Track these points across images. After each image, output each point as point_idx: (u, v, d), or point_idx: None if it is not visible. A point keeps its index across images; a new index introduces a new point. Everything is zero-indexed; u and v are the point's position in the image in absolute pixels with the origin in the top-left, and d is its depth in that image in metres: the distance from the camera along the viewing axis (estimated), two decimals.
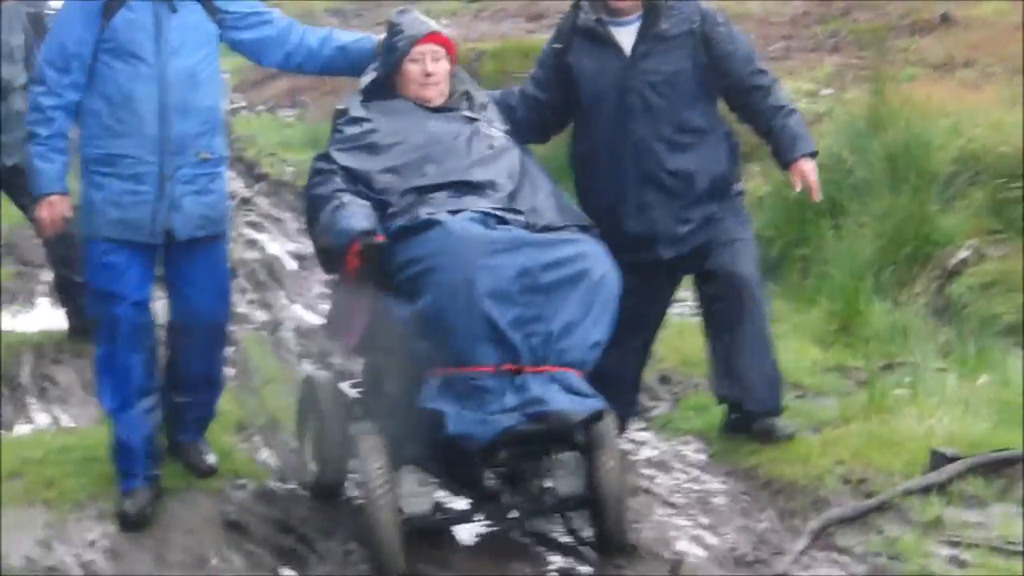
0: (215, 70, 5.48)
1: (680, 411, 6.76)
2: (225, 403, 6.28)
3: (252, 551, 5.27)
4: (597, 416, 4.79)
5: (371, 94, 5.43)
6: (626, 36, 5.71)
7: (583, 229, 5.09)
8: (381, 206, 4.96)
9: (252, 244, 10.73)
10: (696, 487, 5.89)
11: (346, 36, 5.79)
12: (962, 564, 4.87)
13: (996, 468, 5.47)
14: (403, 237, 4.80)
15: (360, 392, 5.55)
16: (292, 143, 14.85)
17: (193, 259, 5.52)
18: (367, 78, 5.49)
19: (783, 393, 6.07)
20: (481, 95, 5.58)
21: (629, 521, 5.22)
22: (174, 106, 5.28)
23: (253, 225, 11.42)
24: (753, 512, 5.56)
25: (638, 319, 5.68)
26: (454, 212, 4.82)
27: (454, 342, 4.61)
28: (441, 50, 5.42)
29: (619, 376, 5.74)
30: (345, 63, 5.69)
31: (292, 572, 5.13)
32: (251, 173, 13.78)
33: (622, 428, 5.87)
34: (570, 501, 5.01)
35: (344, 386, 5.67)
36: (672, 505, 5.71)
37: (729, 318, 5.82)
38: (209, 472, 5.83)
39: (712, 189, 5.79)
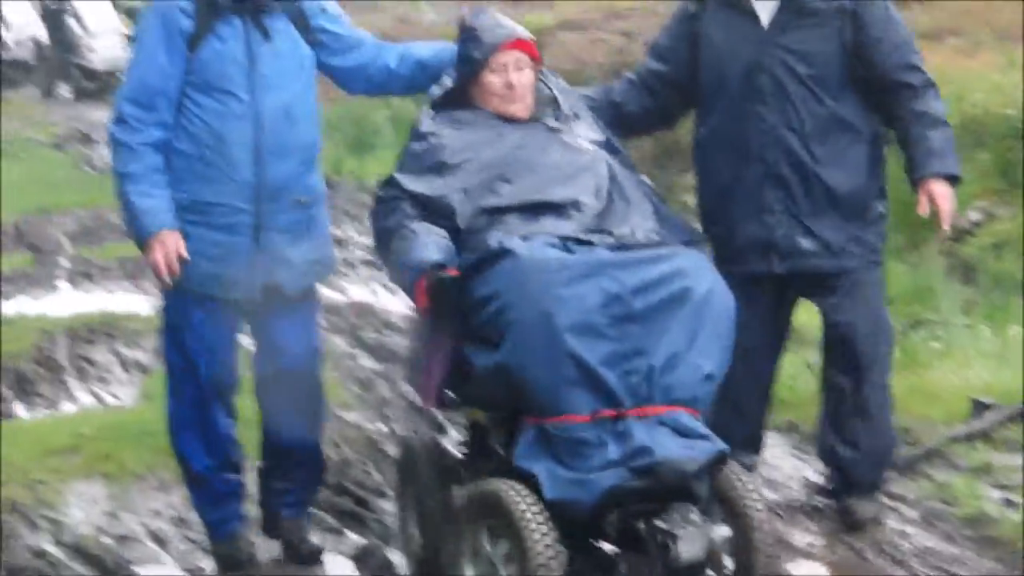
0: (313, 101, 4.84)
1: None
2: None
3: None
4: (718, 461, 3.97)
5: (443, 106, 4.67)
6: (766, 5, 4.85)
7: (689, 244, 4.32)
8: (453, 234, 4.30)
9: None
10: None
11: (424, 50, 5.04)
12: (1014, 505, 5.04)
13: None
14: (475, 271, 4.11)
15: (466, 452, 4.62)
16: None
17: (289, 312, 4.88)
18: (437, 89, 4.76)
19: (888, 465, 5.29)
20: (572, 99, 4.78)
21: None
22: (270, 148, 4.66)
23: None
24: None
25: (752, 346, 4.82)
26: (527, 238, 4.13)
27: (541, 390, 3.93)
28: (525, 57, 4.59)
29: (737, 412, 4.98)
30: (427, 80, 4.90)
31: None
32: None
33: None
34: (696, 567, 3.95)
35: (448, 445, 4.72)
36: None
37: (847, 377, 5.03)
38: (311, 558, 5.07)
39: (850, 202, 4.86)
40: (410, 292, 4.24)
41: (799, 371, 6.17)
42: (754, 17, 4.85)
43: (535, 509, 3.84)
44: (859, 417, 5.00)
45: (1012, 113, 8.58)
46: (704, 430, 3.97)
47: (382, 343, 7.73)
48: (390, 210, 4.43)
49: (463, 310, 4.11)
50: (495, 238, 4.16)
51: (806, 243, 4.84)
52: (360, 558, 5.02)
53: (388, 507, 5.45)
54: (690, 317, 4.02)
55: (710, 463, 3.91)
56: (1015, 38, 10.72)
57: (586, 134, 4.62)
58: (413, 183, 4.43)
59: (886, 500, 5.18)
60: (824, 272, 4.90)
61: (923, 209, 4.72)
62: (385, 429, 6.36)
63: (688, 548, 3.87)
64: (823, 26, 4.78)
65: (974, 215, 8.16)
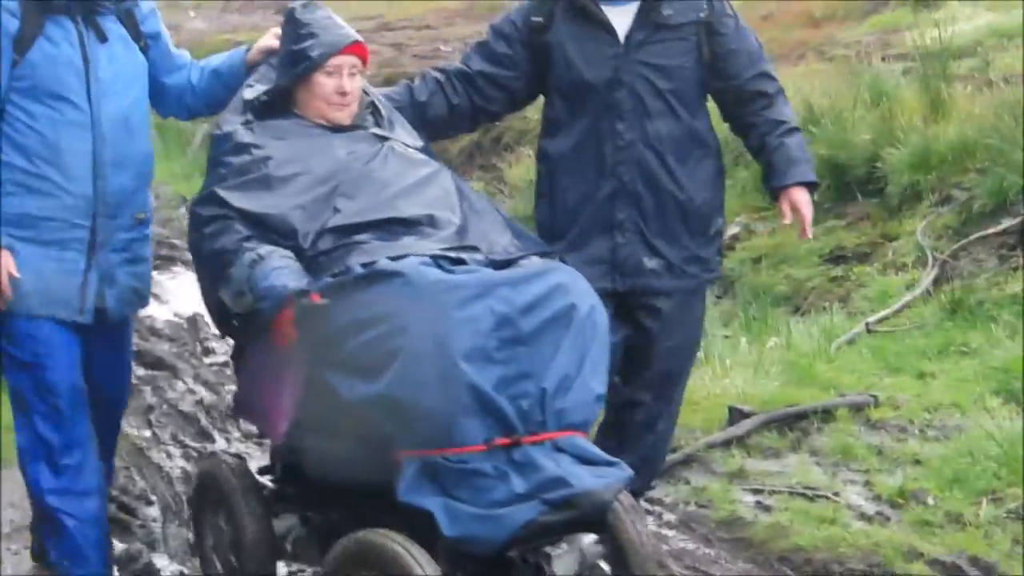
0: (147, 110, 4.56)
1: None
2: None
3: None
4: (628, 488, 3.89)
5: (258, 112, 4.32)
6: (621, 19, 4.75)
7: (543, 254, 4.17)
8: (297, 255, 3.96)
9: None
10: None
11: (214, 60, 4.73)
12: (767, 508, 5.24)
13: (789, 422, 5.91)
14: (339, 294, 3.77)
15: (278, 480, 4.42)
16: None
17: (109, 338, 4.57)
18: (251, 91, 4.37)
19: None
20: (387, 103, 4.57)
21: None
22: (110, 159, 4.34)
23: None
24: None
25: None
26: (392, 258, 3.83)
27: (432, 420, 3.62)
28: (359, 63, 4.34)
29: None
30: (223, 90, 4.56)
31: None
32: None
33: None
34: None
35: (261, 475, 4.50)
36: None
37: (650, 393, 4.98)
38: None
39: (698, 218, 4.83)
40: (266, 321, 3.84)
41: None
42: (609, 30, 4.74)
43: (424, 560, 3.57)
44: (650, 431, 5.01)
45: None
46: (603, 454, 3.81)
47: (148, 350, 7.62)
48: (220, 230, 4.02)
49: (322, 337, 3.75)
50: (355, 261, 3.85)
51: (650, 262, 4.78)
52: (124, 564, 4.94)
53: (153, 513, 5.43)
54: (577, 337, 3.82)
55: (621, 491, 3.79)
56: (775, 59, 11.09)
57: (408, 141, 4.42)
58: (241, 200, 4.04)
59: (646, 505, 5.31)
60: (660, 291, 4.83)
61: (787, 218, 4.77)
62: (149, 435, 6.30)
63: (563, 566, 3.77)
64: (680, 39, 4.74)
65: (734, 229, 8.43)
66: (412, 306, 3.66)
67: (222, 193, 4.06)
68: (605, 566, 3.85)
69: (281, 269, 3.84)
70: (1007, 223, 7.29)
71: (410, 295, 3.68)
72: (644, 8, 4.73)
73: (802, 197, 4.75)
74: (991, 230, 7.33)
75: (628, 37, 4.72)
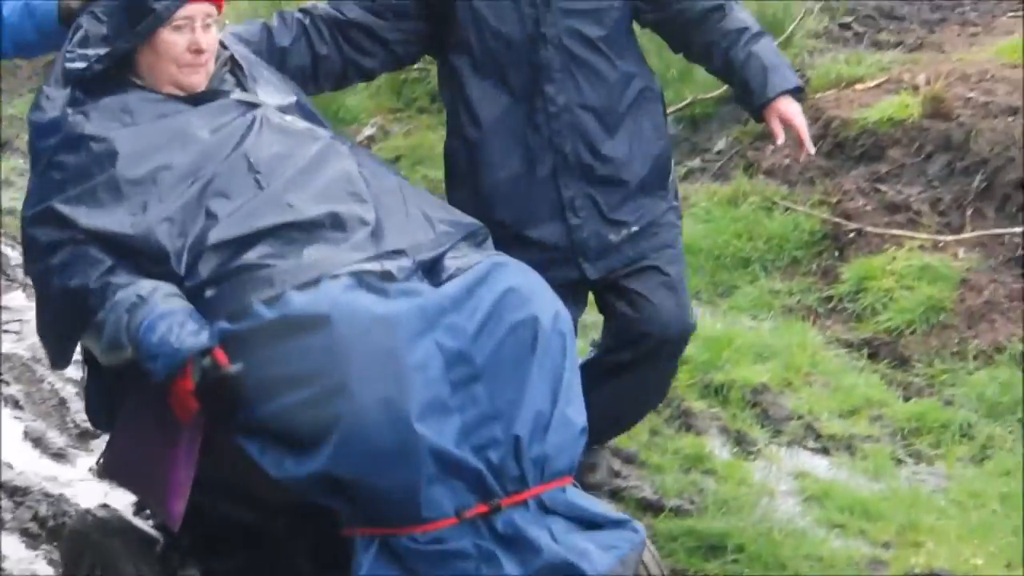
0: None
1: None
2: None
3: None
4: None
5: (88, 87, 3.36)
6: None
7: (473, 236, 3.43)
8: (177, 284, 3.13)
9: None
10: None
11: None
12: None
13: None
14: (242, 343, 3.00)
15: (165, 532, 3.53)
16: None
17: None
18: (76, 62, 3.37)
19: None
20: (245, 58, 3.61)
21: None
22: None
23: None
24: None
25: None
26: (303, 286, 3.05)
27: (387, 498, 2.94)
28: (215, 11, 3.43)
29: None
30: (35, 32, 3.65)
31: None
32: None
33: None
34: None
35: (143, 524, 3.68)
36: None
37: (642, 368, 4.16)
38: None
39: (652, 175, 4.10)
40: (162, 386, 3.02)
41: None
42: None
43: None
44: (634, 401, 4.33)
45: None
46: (613, 513, 3.20)
47: None
48: (71, 261, 3.15)
49: (238, 402, 3.00)
50: (255, 297, 3.04)
51: (616, 236, 4.03)
52: None
53: None
54: (545, 359, 3.10)
55: (639, 560, 3.15)
56: None
57: (277, 100, 3.53)
58: (90, 216, 3.16)
59: None
60: (633, 258, 4.08)
61: (780, 137, 4.07)
62: None
63: None
64: None
65: (369, 131, 8.49)
66: (346, 358, 2.93)
67: (63, 209, 3.18)
68: None
69: (171, 316, 3.00)
70: None
71: (341, 344, 2.94)
72: None
73: (791, 107, 4.06)
74: None
75: None
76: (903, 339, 5.62)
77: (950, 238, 6.00)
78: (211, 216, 3.16)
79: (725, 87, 6.26)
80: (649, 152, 4.08)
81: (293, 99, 3.57)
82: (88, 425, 5.05)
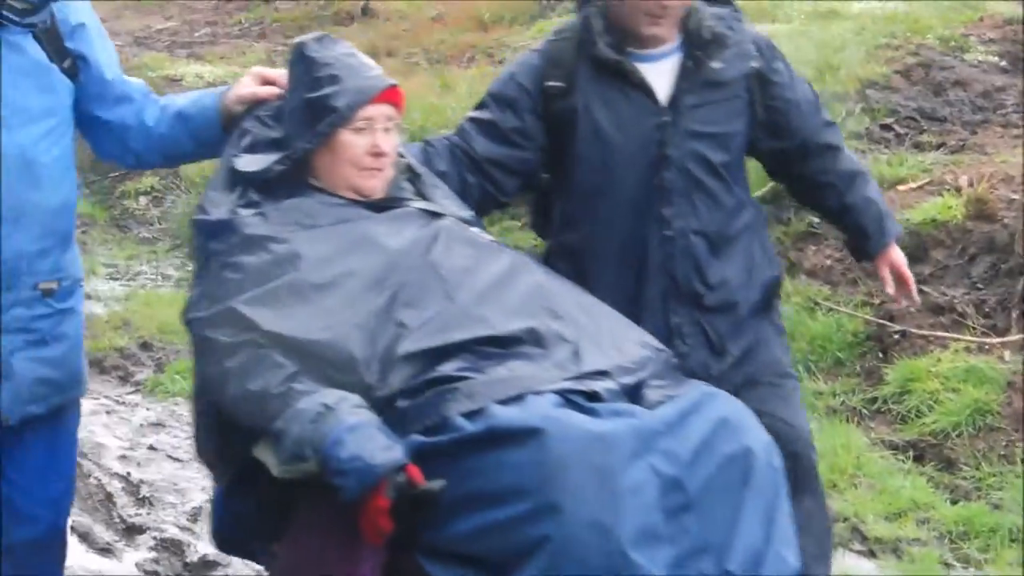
0: (67, 147, 3.48)
1: (167, 375, 6.89)
2: None
3: None
4: None
5: (263, 189, 3.26)
6: (659, 77, 3.80)
7: (668, 361, 3.28)
8: (361, 394, 2.93)
9: None
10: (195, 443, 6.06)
11: (180, 99, 3.66)
12: None
13: None
14: (439, 458, 2.82)
15: None
16: None
17: (24, 442, 3.51)
18: (247, 161, 3.30)
19: None
20: (421, 168, 3.54)
21: None
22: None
23: None
24: None
25: None
26: (506, 401, 2.86)
27: None
28: (396, 114, 3.34)
29: None
30: (189, 139, 3.58)
31: None
32: None
33: None
34: None
35: None
36: (178, 460, 5.86)
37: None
38: None
39: (762, 301, 3.97)
40: (353, 503, 2.80)
41: None
42: (647, 92, 3.79)
43: None
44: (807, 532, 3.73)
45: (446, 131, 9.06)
46: None
47: None
48: (251, 365, 2.95)
49: (432, 521, 2.81)
50: (453, 409, 2.85)
51: (721, 365, 3.85)
52: None
53: None
54: (759, 494, 2.93)
55: None
56: (446, 60, 11.34)
57: (457, 211, 3.41)
58: (273, 319, 2.98)
59: None
60: (740, 384, 3.83)
61: (890, 285, 4.08)
62: None
63: None
64: (732, 98, 3.85)
65: None
66: (560, 474, 2.72)
67: (244, 310, 3.01)
68: None
69: (360, 429, 2.80)
70: None
71: (555, 459, 2.73)
72: (687, 63, 3.81)
73: (899, 256, 4.09)
74: None
75: (673, 101, 3.79)
76: (949, 441, 5.59)
77: (995, 340, 5.99)
78: (401, 326, 2.99)
79: (769, 186, 6.35)
80: (759, 279, 3.94)
81: (470, 214, 3.45)
82: (135, 520, 5.15)
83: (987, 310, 6.23)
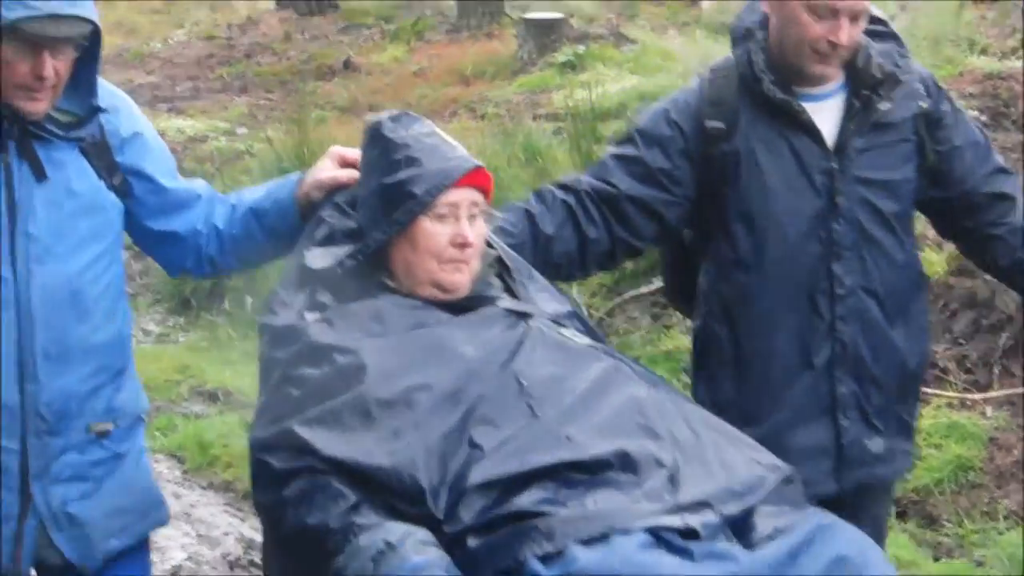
0: (118, 275, 3.17)
1: (148, 432, 6.83)
2: None
3: None
4: None
5: (332, 286, 2.91)
6: (824, 119, 3.47)
7: (786, 483, 2.79)
8: (429, 527, 2.58)
9: None
10: (177, 502, 6.01)
11: (250, 193, 3.32)
12: None
13: None
14: None
15: None
16: None
17: None
18: (319, 256, 2.96)
19: None
20: (512, 258, 3.14)
21: None
22: (44, 350, 2.98)
23: None
24: (238, 520, 5.77)
25: None
26: (589, 541, 2.48)
27: None
28: (482, 199, 2.97)
29: None
30: (267, 238, 3.23)
31: None
32: None
33: None
34: None
35: None
36: None
37: None
38: None
39: (912, 380, 3.68)
40: None
41: (232, 430, 6.27)
42: (814, 136, 3.46)
43: None
44: None
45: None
46: None
47: None
48: (309, 495, 2.62)
49: None
50: (529, 551, 2.48)
51: (875, 446, 3.54)
52: None
53: None
54: None
55: None
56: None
57: (551, 308, 3.02)
58: (334, 444, 2.63)
59: None
60: (880, 482, 3.62)
61: None
62: None
63: None
64: (900, 142, 3.51)
65: None
66: None
67: (303, 433, 2.66)
68: None
69: (425, 570, 2.46)
70: (658, 283, 7.64)
71: None
72: (854, 103, 3.47)
73: None
74: (644, 289, 7.60)
75: (840, 144, 3.46)
76: (932, 498, 5.57)
77: (978, 396, 6.00)
78: (476, 447, 2.61)
79: None
80: (918, 349, 3.63)
81: (568, 308, 3.07)
82: None
83: (969, 365, 6.24)
